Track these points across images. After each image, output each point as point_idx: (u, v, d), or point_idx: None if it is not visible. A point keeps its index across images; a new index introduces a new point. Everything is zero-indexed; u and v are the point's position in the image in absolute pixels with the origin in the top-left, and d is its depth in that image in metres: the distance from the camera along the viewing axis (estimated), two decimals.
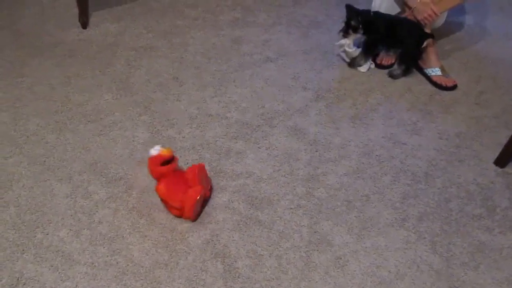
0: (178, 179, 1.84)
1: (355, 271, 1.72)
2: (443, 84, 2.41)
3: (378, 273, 1.71)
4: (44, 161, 2.09)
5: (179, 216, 1.86)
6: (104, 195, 1.95)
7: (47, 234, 1.83)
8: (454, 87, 2.42)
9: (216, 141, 2.16)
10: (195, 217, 1.86)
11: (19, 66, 2.57)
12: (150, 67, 2.56)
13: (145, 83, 2.46)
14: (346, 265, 1.73)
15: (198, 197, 1.79)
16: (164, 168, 1.85)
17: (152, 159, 1.88)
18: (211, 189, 1.95)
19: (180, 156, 2.09)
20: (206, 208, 1.90)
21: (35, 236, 1.82)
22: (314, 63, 2.57)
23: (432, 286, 1.68)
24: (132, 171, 2.03)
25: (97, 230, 1.84)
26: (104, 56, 2.62)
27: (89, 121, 2.26)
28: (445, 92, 2.41)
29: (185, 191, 1.80)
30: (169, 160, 1.87)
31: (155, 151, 1.87)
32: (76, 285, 1.68)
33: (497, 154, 2.08)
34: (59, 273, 1.71)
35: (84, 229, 1.84)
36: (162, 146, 1.89)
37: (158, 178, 1.88)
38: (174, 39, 2.73)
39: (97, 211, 1.90)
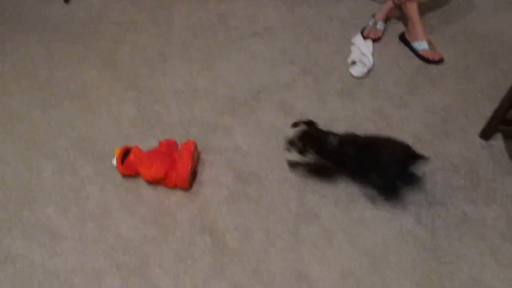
0: (153, 159, 1.85)
1: (342, 242, 1.74)
2: (430, 58, 2.41)
3: (365, 244, 1.74)
4: (29, 139, 2.06)
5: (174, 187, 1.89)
6: (91, 172, 1.94)
7: (34, 211, 1.82)
8: (440, 61, 2.42)
9: (203, 116, 2.15)
10: (190, 186, 1.89)
11: (1, 43, 2.52)
12: (135, 42, 2.52)
13: (131, 59, 2.43)
14: (334, 237, 1.75)
15: (189, 170, 1.82)
16: (128, 161, 1.87)
17: (117, 166, 1.89)
18: (198, 163, 1.96)
19: (167, 131, 2.08)
20: (193, 183, 1.91)
21: (22, 213, 1.82)
22: (301, 37, 2.55)
23: (417, 257, 1.71)
24: (119, 146, 2.01)
25: (84, 207, 1.83)
26: (88, 32, 2.58)
27: (74, 98, 2.23)
28: (432, 66, 2.41)
29: (174, 167, 1.82)
30: (126, 153, 1.89)
31: (113, 161, 1.92)
32: (65, 261, 1.69)
33: (482, 127, 2.09)
34: (47, 249, 1.72)
35: (71, 205, 1.84)
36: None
37: (133, 169, 1.88)
38: (159, 13, 2.68)
39: (84, 188, 1.89)
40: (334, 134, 1.82)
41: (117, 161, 1.87)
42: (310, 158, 1.85)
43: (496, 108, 2.00)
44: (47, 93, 2.25)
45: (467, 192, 1.90)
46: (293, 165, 1.95)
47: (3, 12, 2.69)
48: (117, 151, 1.89)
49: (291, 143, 1.82)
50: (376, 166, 1.78)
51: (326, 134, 1.82)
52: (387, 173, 1.80)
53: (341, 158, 1.81)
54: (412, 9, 2.43)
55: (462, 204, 1.86)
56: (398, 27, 2.60)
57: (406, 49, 2.49)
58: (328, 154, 1.82)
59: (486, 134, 2.08)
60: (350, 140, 1.82)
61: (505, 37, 2.56)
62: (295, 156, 1.87)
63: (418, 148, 2.02)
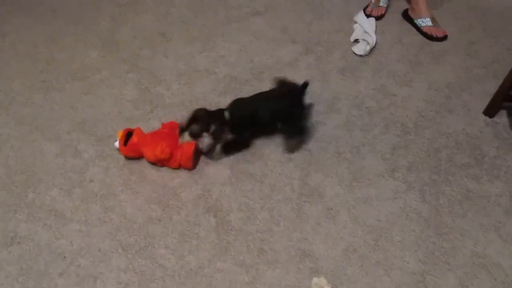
0: (157, 140, 1.85)
1: (345, 221, 1.75)
2: (434, 34, 2.39)
3: (368, 222, 1.74)
4: (32, 121, 2.06)
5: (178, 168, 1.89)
6: (94, 154, 1.94)
7: (39, 194, 1.83)
8: (444, 38, 2.40)
9: (205, 96, 2.14)
10: (194, 167, 1.90)
11: (0, 24, 2.50)
12: (135, 22, 2.50)
13: (131, 40, 2.41)
14: (337, 215, 1.76)
15: (193, 149, 1.83)
16: (132, 143, 1.86)
17: (120, 148, 1.89)
18: None
19: (169, 112, 2.07)
20: (197, 163, 1.91)
21: (27, 196, 1.82)
22: (303, 15, 2.52)
23: (421, 234, 1.71)
24: (122, 128, 2.01)
25: (88, 188, 1.84)
26: (88, 13, 2.55)
27: (75, 80, 2.22)
28: (435, 43, 2.38)
29: (178, 147, 1.82)
30: (128, 135, 1.88)
31: (115, 144, 1.90)
32: (71, 242, 1.70)
33: (486, 104, 2.08)
34: (53, 231, 1.73)
35: (75, 187, 1.85)
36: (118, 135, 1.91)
37: (137, 151, 1.88)
38: None
39: (87, 170, 1.90)
40: (224, 109, 1.86)
41: (119, 143, 1.87)
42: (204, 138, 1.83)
43: (500, 85, 1.99)
44: (48, 76, 2.24)
45: (471, 169, 1.90)
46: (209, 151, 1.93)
47: None
48: (120, 133, 1.88)
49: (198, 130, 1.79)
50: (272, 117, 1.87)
51: (217, 112, 1.84)
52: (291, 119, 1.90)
53: (240, 126, 1.86)
54: None
55: (466, 181, 1.86)
56: (401, 4, 2.57)
57: (409, 26, 2.46)
58: (230, 127, 1.84)
59: (490, 111, 2.07)
60: (239, 107, 1.86)
61: (509, 12, 2.53)
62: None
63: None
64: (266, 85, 2.17)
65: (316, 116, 2.06)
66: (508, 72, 1.92)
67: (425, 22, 2.39)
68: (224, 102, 2.10)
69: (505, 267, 1.64)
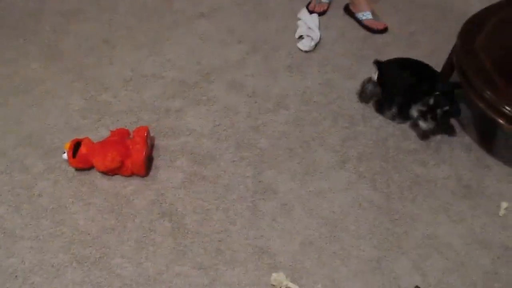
0: (107, 149, 1.82)
1: (301, 215, 1.77)
2: (374, 27, 2.45)
3: (323, 215, 1.77)
4: None
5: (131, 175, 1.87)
6: (42, 167, 1.89)
7: None
8: (385, 30, 2.46)
9: (154, 101, 2.12)
10: (147, 173, 1.87)
11: None
12: (79, 31, 2.44)
13: (75, 49, 2.36)
14: (292, 210, 1.78)
15: (144, 156, 1.81)
16: (81, 154, 1.83)
17: (69, 160, 1.84)
18: (153, 148, 1.95)
19: (118, 120, 2.04)
20: (150, 169, 1.89)
21: None
22: (248, 15, 2.53)
23: (374, 221, 1.76)
24: (69, 139, 1.96)
25: (37, 203, 1.79)
26: (28, 23, 2.48)
27: (19, 93, 2.16)
28: (378, 36, 2.45)
29: (128, 154, 1.80)
30: (76, 146, 1.85)
31: (64, 155, 1.85)
32: (22, 260, 1.65)
33: None
34: (2, 250, 1.67)
35: (24, 203, 1.79)
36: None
37: (87, 161, 1.85)
38: (101, 0, 2.61)
39: (36, 184, 1.84)
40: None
41: (68, 155, 1.83)
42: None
43: (439, 72, 2.06)
44: None
45: (418, 155, 1.96)
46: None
47: None
48: (67, 145, 1.84)
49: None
50: None
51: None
52: None
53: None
54: None
55: (413, 166, 1.92)
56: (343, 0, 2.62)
57: (352, 21, 2.52)
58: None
59: None
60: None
61: (446, 4, 2.62)
62: None
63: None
64: (215, 86, 2.17)
65: (265, 114, 2.08)
66: (445, 61, 2.00)
67: (365, 15, 2.45)
68: (173, 105, 2.09)
69: (455, 247, 1.71)
